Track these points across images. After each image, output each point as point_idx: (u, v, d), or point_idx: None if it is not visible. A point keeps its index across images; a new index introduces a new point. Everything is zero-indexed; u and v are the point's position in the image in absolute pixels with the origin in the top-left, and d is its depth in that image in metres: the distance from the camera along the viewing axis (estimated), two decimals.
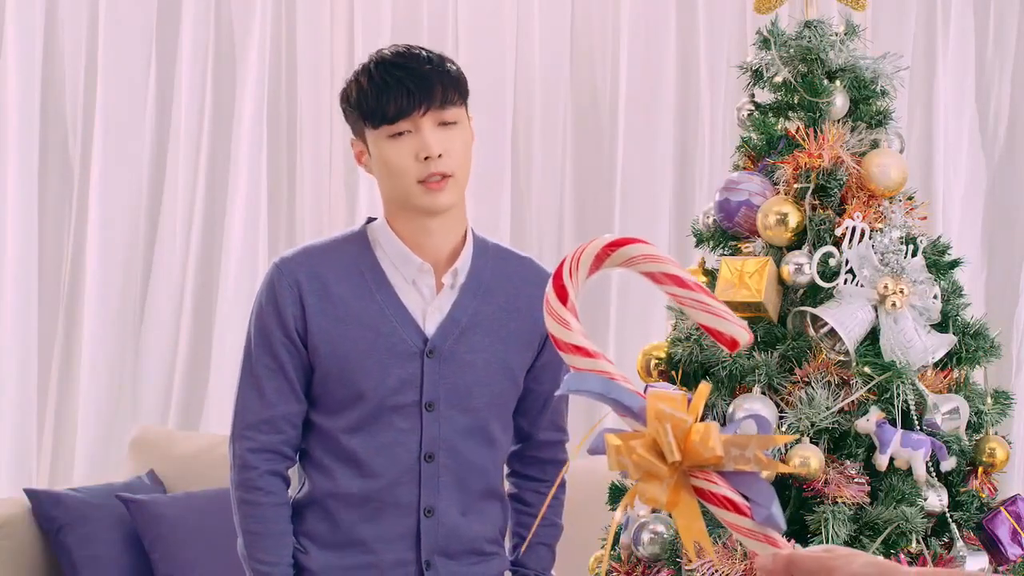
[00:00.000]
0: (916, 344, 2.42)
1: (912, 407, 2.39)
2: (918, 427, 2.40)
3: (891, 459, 2.36)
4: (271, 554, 2.31)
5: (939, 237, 2.64)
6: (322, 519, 2.33)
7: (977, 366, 2.56)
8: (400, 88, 2.23)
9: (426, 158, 2.23)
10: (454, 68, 2.30)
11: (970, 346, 2.53)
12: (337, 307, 2.29)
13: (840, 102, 2.59)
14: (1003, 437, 2.53)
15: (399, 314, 2.30)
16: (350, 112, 2.31)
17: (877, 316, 2.42)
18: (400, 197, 2.28)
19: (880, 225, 2.48)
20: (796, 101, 2.61)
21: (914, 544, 2.35)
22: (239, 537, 2.34)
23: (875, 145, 2.57)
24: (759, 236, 2.55)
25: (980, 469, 2.51)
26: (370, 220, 2.38)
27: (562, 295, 1.24)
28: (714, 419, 2.48)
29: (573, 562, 3.19)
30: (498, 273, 2.37)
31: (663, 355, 2.62)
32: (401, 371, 2.29)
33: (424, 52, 2.29)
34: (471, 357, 2.32)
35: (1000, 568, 2.46)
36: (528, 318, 2.36)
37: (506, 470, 2.45)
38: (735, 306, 2.46)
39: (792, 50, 2.61)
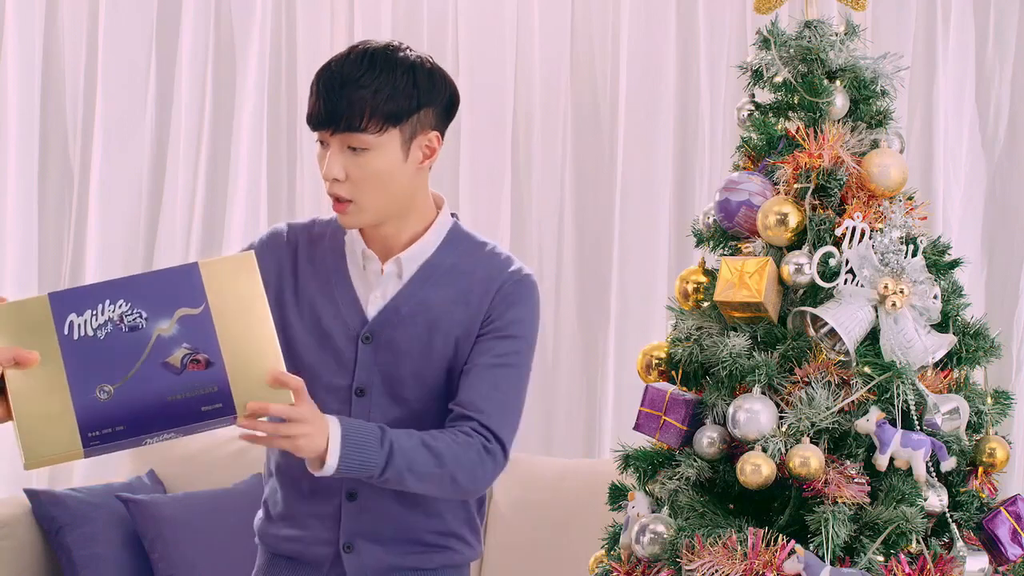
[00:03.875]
0: (916, 344, 2.42)
1: (912, 407, 2.39)
2: (918, 427, 2.39)
3: (891, 459, 2.36)
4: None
5: (939, 237, 2.64)
6: (274, 491, 2.41)
7: (977, 366, 2.56)
8: (318, 102, 2.20)
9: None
10: (384, 91, 2.17)
11: (970, 346, 2.53)
12: (309, 280, 2.33)
13: (840, 102, 2.59)
14: (1003, 437, 2.53)
15: (346, 296, 2.32)
16: None
17: (877, 316, 2.42)
18: None
19: (880, 225, 2.48)
20: (796, 101, 2.61)
21: (914, 544, 2.35)
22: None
23: (875, 145, 2.56)
24: (759, 236, 2.54)
25: (980, 469, 2.51)
26: None
27: None
28: (714, 419, 2.48)
29: (573, 562, 3.19)
30: (458, 265, 2.33)
31: (663, 355, 2.62)
32: (337, 353, 2.30)
33: (363, 67, 2.18)
34: (407, 347, 2.29)
35: (1000, 568, 2.46)
36: (476, 309, 2.30)
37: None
38: (735, 306, 2.46)
39: (792, 50, 2.61)
